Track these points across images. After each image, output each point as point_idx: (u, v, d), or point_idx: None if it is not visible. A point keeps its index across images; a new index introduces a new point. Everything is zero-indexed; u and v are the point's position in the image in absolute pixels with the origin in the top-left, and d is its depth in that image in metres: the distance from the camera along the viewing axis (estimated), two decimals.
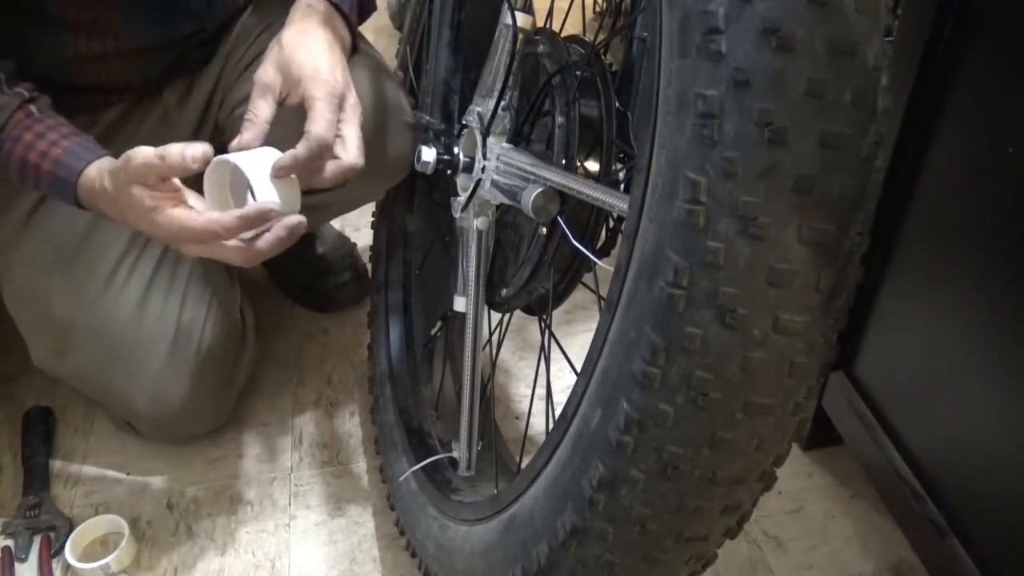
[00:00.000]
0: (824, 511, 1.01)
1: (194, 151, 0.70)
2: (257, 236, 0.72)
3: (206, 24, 0.99)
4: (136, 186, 0.72)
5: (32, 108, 0.80)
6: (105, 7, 0.90)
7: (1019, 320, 0.68)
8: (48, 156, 0.78)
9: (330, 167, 0.75)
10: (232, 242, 0.72)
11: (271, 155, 0.72)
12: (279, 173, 0.72)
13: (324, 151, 0.74)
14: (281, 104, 0.77)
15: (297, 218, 0.71)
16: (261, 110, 0.76)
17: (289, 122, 0.76)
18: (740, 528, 0.58)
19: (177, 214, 0.72)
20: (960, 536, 0.77)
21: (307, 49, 0.78)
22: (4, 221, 0.96)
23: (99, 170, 0.77)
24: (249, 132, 0.74)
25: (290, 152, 0.72)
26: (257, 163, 0.72)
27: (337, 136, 0.76)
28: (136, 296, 0.97)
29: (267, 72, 0.77)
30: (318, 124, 0.74)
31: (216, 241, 0.71)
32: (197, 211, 0.73)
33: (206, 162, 0.70)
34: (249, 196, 0.71)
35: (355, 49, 0.90)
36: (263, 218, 0.70)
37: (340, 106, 0.76)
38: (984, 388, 0.73)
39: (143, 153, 0.71)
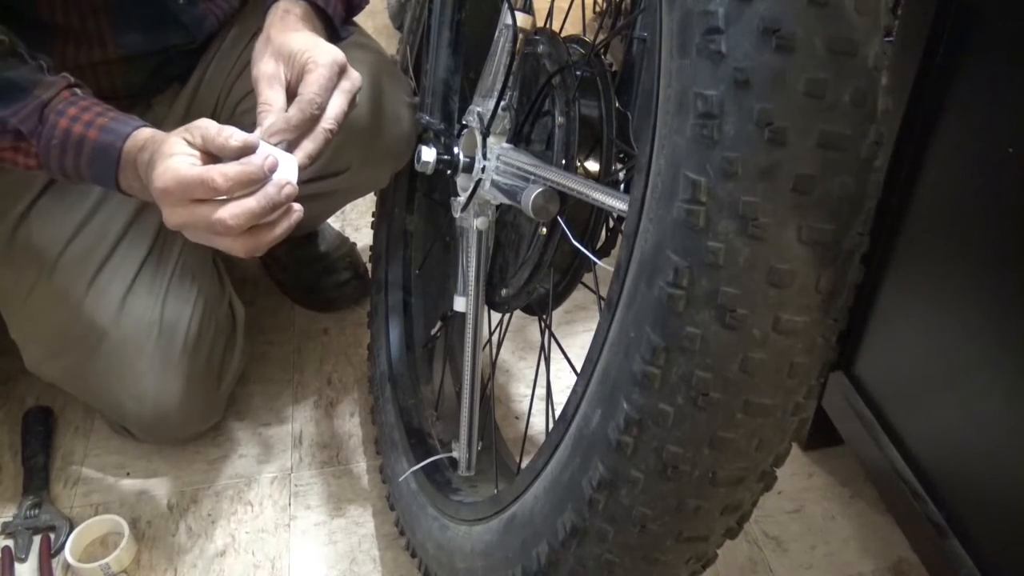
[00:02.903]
0: (824, 511, 1.01)
1: (241, 138, 0.70)
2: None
3: (195, 35, 0.99)
4: (178, 136, 0.72)
5: (77, 91, 0.81)
6: (94, 14, 0.90)
7: (1019, 320, 0.68)
8: (94, 125, 0.78)
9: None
10: (226, 211, 0.69)
11: (278, 151, 0.73)
12: (272, 138, 0.72)
13: (316, 114, 0.74)
14: (289, 90, 0.77)
15: (293, 185, 0.71)
16: (274, 99, 0.75)
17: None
18: (740, 528, 0.58)
19: (176, 163, 0.70)
20: (960, 536, 0.77)
21: (297, 35, 0.78)
22: None
23: (154, 130, 0.77)
24: (270, 118, 0.74)
25: (283, 116, 0.73)
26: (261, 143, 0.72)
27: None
28: (118, 297, 0.97)
29: (267, 64, 0.77)
30: (311, 87, 0.74)
31: (212, 195, 0.69)
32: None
33: (244, 151, 0.70)
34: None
35: (337, 39, 0.90)
36: (263, 169, 0.69)
37: (340, 74, 0.76)
38: (984, 388, 0.73)
39: (209, 120, 0.72)
